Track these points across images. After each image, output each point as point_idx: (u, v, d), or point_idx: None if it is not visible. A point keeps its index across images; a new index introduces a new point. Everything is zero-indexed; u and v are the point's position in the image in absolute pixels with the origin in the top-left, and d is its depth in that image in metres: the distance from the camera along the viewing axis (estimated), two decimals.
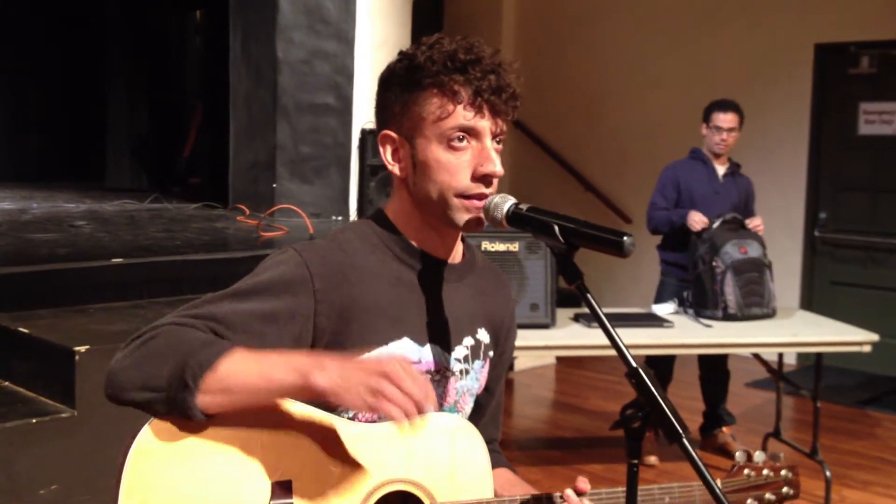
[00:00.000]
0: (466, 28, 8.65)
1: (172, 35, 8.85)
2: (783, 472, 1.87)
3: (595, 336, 4.13)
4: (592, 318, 1.41)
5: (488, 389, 1.76)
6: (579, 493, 1.61)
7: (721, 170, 5.03)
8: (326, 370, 1.34)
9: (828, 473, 4.45)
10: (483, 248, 4.08)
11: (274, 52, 5.37)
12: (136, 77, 7.91)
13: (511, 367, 6.65)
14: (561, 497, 1.61)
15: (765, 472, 1.85)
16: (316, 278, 1.49)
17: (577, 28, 8.33)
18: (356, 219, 5.04)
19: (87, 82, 8.34)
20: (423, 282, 1.59)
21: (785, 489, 1.87)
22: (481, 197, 1.52)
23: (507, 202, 1.51)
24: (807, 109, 7.15)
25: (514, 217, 1.50)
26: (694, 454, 1.34)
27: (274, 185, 5.42)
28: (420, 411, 1.32)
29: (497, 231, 4.04)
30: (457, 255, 1.66)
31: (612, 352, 1.44)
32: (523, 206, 1.50)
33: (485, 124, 1.51)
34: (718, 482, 1.76)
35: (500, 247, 4.13)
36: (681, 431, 1.34)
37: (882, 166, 6.90)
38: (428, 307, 1.59)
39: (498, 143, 1.54)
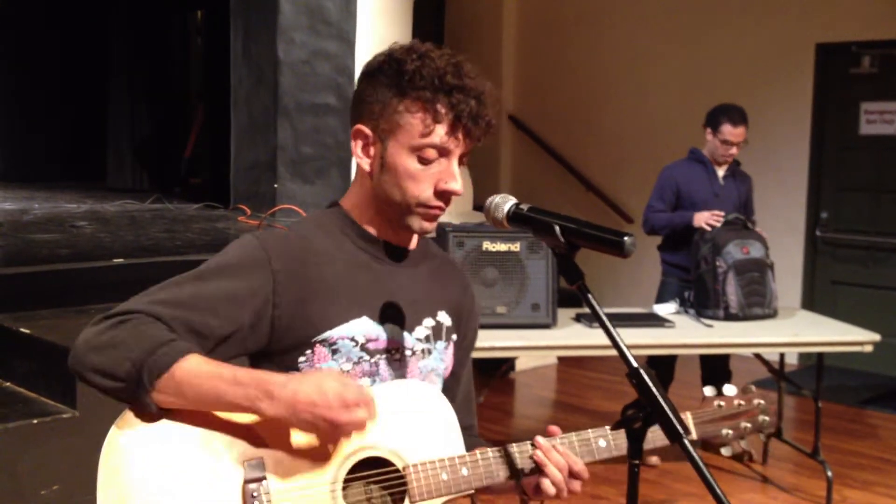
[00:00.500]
0: (467, 28, 8.66)
1: (174, 35, 8.85)
2: (755, 402, 1.84)
3: (596, 336, 4.13)
4: (594, 319, 1.42)
5: (454, 374, 1.80)
6: (549, 436, 1.65)
7: (721, 171, 5.01)
8: (274, 401, 1.41)
9: (829, 473, 4.44)
10: (484, 248, 4.08)
11: (275, 53, 5.37)
12: (138, 77, 7.91)
13: (512, 367, 6.65)
14: (533, 446, 1.64)
15: (736, 402, 1.82)
16: (273, 259, 1.55)
17: (578, 28, 8.33)
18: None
19: (88, 82, 8.33)
20: (380, 265, 1.66)
21: (761, 417, 1.84)
22: (439, 210, 1.60)
23: (507, 202, 1.54)
24: (808, 109, 7.14)
25: (514, 217, 1.52)
26: (695, 454, 1.34)
27: (275, 186, 5.42)
28: (360, 424, 1.43)
29: (498, 231, 4.04)
30: (411, 242, 1.71)
31: (614, 352, 1.44)
32: (524, 206, 1.52)
33: (456, 147, 1.57)
34: (688, 415, 1.77)
35: (502, 247, 4.13)
36: (682, 432, 1.35)
37: (883, 166, 6.89)
38: (385, 289, 1.65)
39: (462, 163, 1.61)
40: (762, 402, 1.85)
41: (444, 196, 1.59)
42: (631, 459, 1.43)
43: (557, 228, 1.45)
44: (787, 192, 7.17)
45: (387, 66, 1.58)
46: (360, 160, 1.62)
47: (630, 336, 4.18)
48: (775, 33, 7.21)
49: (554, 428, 1.66)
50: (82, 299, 3.38)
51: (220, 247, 4.57)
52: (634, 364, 1.39)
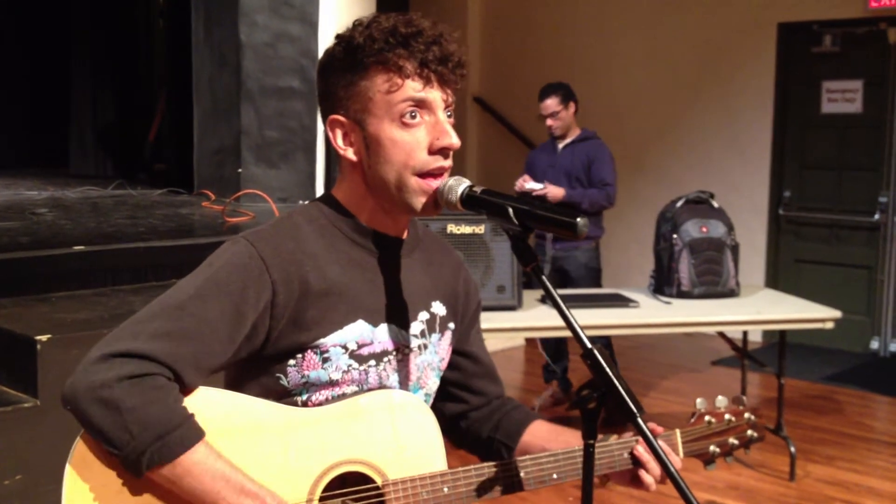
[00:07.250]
0: (432, 9, 8.61)
1: (137, 19, 8.74)
2: (746, 416, 1.85)
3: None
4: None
5: (470, 356, 1.78)
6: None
7: (562, 144, 5.46)
8: None
9: (792, 449, 4.51)
10: (449, 231, 4.09)
11: (237, 36, 5.32)
12: (100, 62, 7.82)
13: None
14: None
15: (726, 417, 1.83)
16: (272, 268, 1.48)
17: (543, 9, 8.32)
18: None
19: (50, 68, 8.22)
20: (374, 260, 1.59)
21: (749, 432, 1.85)
22: (440, 171, 1.52)
23: (461, 185, 1.50)
24: (770, 88, 7.20)
25: (468, 200, 1.49)
26: (648, 432, 1.36)
27: (239, 171, 5.38)
28: None
29: (463, 214, 4.05)
30: (405, 231, 1.65)
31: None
32: (478, 189, 1.50)
33: (435, 95, 1.50)
34: (677, 432, 1.77)
35: (467, 229, 4.14)
36: (635, 410, 1.36)
37: (845, 144, 6.97)
38: (380, 287, 1.59)
39: (449, 115, 1.54)
40: (752, 416, 1.85)
41: (442, 152, 1.51)
42: (586, 440, 1.44)
43: (511, 211, 1.44)
44: (751, 171, 7.23)
45: (339, 50, 1.52)
46: (343, 152, 1.55)
47: (594, 316, 4.24)
48: (737, 12, 7.25)
49: (656, 427, 1.64)
50: (43, 287, 3.34)
51: (183, 233, 4.50)
52: (588, 345, 1.40)
